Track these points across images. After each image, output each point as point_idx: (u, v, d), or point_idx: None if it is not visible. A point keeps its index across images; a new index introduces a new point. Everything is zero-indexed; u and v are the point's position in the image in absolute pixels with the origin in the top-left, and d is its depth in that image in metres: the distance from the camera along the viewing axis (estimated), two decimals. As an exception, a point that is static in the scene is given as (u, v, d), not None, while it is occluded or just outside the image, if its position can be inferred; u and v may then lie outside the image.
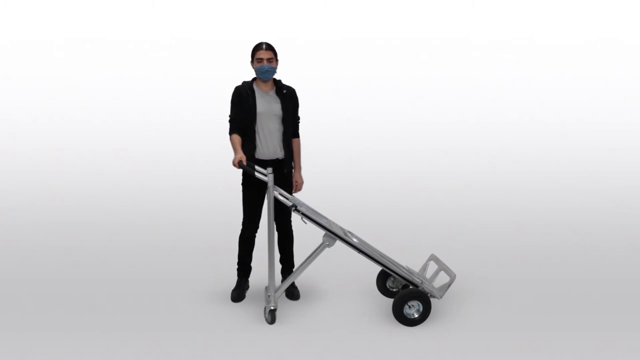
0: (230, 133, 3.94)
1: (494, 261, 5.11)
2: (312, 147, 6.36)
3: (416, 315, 3.68)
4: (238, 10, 8.62)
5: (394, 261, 3.91)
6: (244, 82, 3.99)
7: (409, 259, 5.14)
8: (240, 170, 3.85)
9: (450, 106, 8.68)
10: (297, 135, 4.08)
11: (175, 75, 8.53)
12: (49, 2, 8.38)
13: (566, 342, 3.51)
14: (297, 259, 4.99)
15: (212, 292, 4.29)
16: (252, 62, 3.90)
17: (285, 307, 4.03)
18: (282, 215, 4.09)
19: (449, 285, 3.78)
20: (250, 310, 3.96)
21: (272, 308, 3.71)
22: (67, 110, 8.33)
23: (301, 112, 7.84)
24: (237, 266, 4.29)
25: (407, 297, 3.65)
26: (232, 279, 4.57)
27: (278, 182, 4.00)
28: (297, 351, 3.35)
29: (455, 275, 3.78)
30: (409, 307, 3.68)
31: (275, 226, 4.15)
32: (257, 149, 3.91)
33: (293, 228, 4.26)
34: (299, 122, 4.12)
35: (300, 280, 4.51)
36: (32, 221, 6.21)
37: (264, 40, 3.95)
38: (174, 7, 8.59)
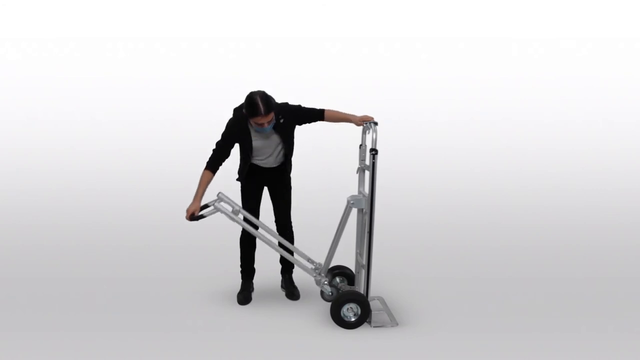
0: (206, 167, 3.79)
1: (493, 261, 5.13)
2: (311, 147, 6.42)
3: (353, 319, 3.69)
4: (237, 9, 8.65)
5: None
6: (237, 115, 3.80)
7: (408, 259, 5.16)
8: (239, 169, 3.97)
9: (450, 106, 8.68)
10: (323, 110, 3.88)
11: (175, 75, 8.56)
12: (49, 2, 8.42)
13: (565, 343, 3.53)
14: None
15: (213, 292, 4.32)
16: (246, 116, 3.68)
17: (286, 307, 4.07)
18: (283, 217, 4.11)
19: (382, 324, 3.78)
20: (251, 310, 3.99)
21: (325, 282, 3.93)
22: (67, 110, 8.37)
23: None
24: (240, 268, 4.24)
25: (345, 298, 3.66)
26: (235, 278, 4.59)
27: (276, 181, 4.01)
28: (297, 351, 3.38)
29: (397, 325, 3.77)
30: (347, 309, 3.69)
31: (277, 228, 4.17)
32: (253, 161, 3.93)
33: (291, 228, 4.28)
34: (312, 108, 3.89)
35: (300, 280, 4.54)
36: (32, 221, 6.26)
37: (259, 97, 3.62)
38: (174, 7, 8.63)
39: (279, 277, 4.60)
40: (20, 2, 8.42)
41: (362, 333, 3.62)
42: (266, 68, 8.41)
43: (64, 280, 4.54)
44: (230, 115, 3.92)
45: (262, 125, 3.67)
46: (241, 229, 4.14)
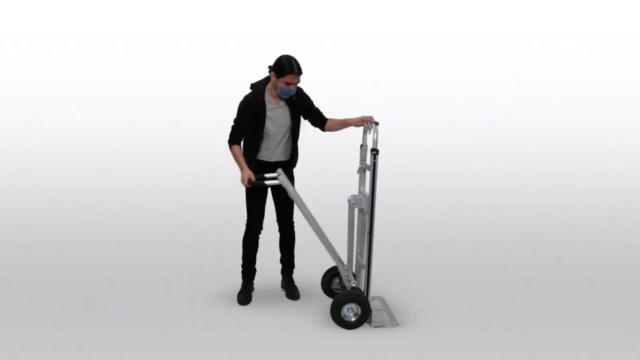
0: (231, 143, 3.86)
1: (493, 261, 5.13)
2: (312, 147, 6.42)
3: (353, 319, 3.69)
4: (237, 9, 8.66)
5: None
6: (255, 90, 3.85)
7: (408, 259, 5.17)
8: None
9: (450, 106, 8.68)
10: (326, 119, 3.99)
11: (175, 75, 8.57)
12: (49, 2, 8.43)
13: (565, 343, 3.54)
14: (297, 260, 5.00)
15: (213, 292, 4.33)
16: (276, 75, 3.74)
17: (286, 307, 4.07)
18: (285, 216, 4.11)
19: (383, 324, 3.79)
20: (251, 310, 3.99)
21: (353, 285, 3.83)
22: (67, 110, 8.38)
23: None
24: (241, 268, 4.23)
25: (345, 299, 3.66)
26: (235, 278, 4.59)
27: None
28: (297, 351, 3.38)
29: (397, 324, 3.78)
30: (348, 309, 3.69)
31: (279, 226, 4.17)
32: (260, 153, 3.91)
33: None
34: (321, 112, 4.02)
35: (300, 280, 4.55)
36: (32, 221, 6.26)
37: (293, 58, 3.76)
38: (174, 7, 8.63)
39: (279, 277, 4.61)
40: (20, 2, 8.42)
41: (362, 333, 3.63)
42: (266, 68, 8.40)
43: (64, 280, 4.54)
44: (229, 114, 3.90)
45: (290, 85, 3.73)
46: (245, 229, 4.12)
